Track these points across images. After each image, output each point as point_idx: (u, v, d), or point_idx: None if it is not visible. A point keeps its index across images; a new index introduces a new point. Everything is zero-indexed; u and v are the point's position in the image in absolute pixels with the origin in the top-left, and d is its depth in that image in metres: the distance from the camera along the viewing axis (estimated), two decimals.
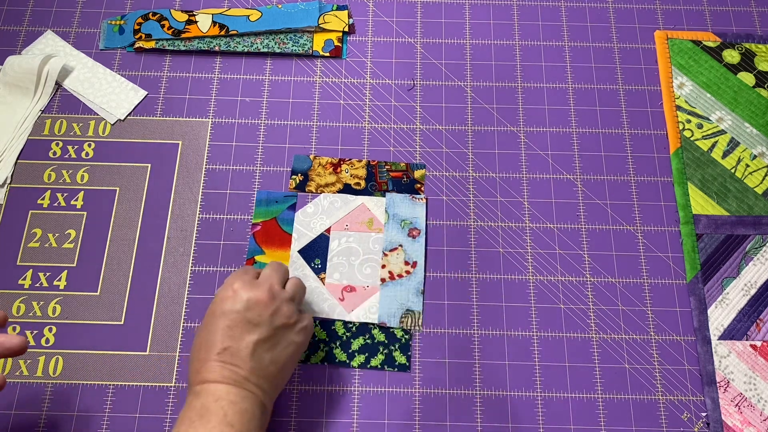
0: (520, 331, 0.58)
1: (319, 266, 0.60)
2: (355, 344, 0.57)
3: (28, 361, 0.56)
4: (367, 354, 0.57)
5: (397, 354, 0.57)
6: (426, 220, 0.62)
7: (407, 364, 0.57)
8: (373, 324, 0.58)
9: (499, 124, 0.66)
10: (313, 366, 0.57)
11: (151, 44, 0.68)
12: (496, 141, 0.66)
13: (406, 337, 0.58)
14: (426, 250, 0.61)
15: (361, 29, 0.71)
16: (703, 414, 0.56)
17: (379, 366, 0.57)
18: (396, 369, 0.57)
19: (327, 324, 0.58)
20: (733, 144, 0.65)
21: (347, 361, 0.57)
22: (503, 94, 0.68)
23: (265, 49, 0.68)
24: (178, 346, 0.57)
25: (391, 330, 0.58)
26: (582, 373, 0.57)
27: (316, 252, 0.61)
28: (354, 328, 0.58)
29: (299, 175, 0.64)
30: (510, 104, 0.67)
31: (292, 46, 0.69)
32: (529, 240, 0.62)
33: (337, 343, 0.57)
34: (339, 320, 0.58)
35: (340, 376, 0.57)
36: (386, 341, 0.58)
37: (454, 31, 0.71)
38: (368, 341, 0.57)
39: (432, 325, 0.59)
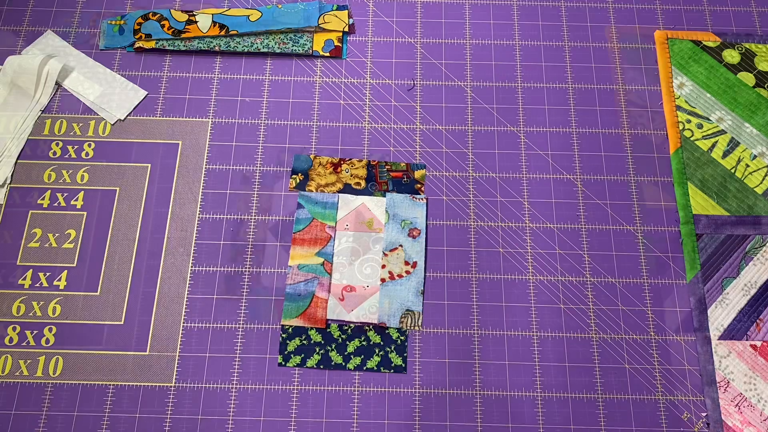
0: (520, 331, 0.58)
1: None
2: (351, 346, 0.57)
3: (28, 361, 0.56)
4: (363, 356, 0.57)
5: (393, 355, 0.57)
6: (426, 220, 0.62)
7: (403, 365, 0.57)
8: (369, 326, 0.58)
9: (499, 124, 0.66)
10: (311, 367, 0.57)
11: (151, 44, 0.68)
12: (496, 141, 0.66)
13: (402, 338, 0.58)
14: (426, 250, 0.61)
15: (361, 29, 0.71)
16: (703, 414, 0.56)
17: (375, 368, 0.57)
18: (392, 370, 0.57)
19: (322, 327, 0.58)
20: (733, 144, 0.65)
21: (343, 364, 0.57)
22: (503, 94, 0.68)
23: (265, 49, 0.68)
24: (178, 346, 0.57)
25: (387, 331, 0.58)
26: (582, 373, 0.57)
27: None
28: (349, 331, 0.58)
29: (299, 174, 0.64)
30: (510, 104, 0.67)
31: (292, 46, 0.69)
32: (529, 240, 0.62)
33: (333, 346, 0.57)
34: (335, 322, 0.58)
35: (340, 376, 0.57)
36: (382, 343, 0.57)
37: (454, 31, 0.71)
38: (364, 343, 0.57)
39: (432, 325, 0.59)
